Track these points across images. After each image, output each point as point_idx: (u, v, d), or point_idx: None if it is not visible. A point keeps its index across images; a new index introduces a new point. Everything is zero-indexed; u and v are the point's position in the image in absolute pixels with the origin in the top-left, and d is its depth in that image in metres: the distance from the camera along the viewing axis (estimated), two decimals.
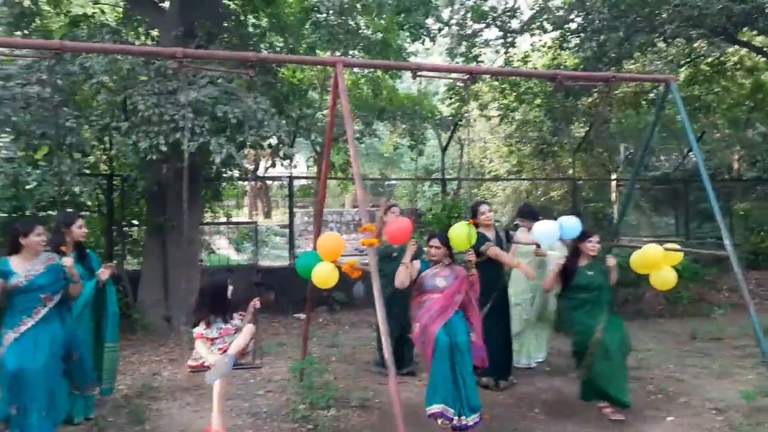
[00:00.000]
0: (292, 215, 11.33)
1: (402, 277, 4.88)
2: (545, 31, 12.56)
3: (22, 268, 4.24)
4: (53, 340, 4.32)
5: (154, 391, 5.95)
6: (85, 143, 7.21)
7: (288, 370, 6.36)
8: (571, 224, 5.35)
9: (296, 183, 13.33)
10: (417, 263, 4.97)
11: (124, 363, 6.42)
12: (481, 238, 5.64)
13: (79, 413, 4.95)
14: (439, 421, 4.51)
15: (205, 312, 4.66)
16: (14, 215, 8.06)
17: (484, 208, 6.03)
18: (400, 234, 4.73)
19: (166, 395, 5.87)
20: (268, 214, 23.65)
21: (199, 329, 4.62)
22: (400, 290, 5.24)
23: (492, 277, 5.67)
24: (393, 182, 25.75)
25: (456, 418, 4.47)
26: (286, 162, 8.45)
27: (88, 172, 8.56)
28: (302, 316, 9.37)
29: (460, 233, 4.89)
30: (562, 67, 12.25)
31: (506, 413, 5.28)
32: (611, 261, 5.32)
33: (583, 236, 5.31)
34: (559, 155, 14.91)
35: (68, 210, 7.16)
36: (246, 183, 14.65)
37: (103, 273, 5.17)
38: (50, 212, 8.15)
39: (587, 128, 13.67)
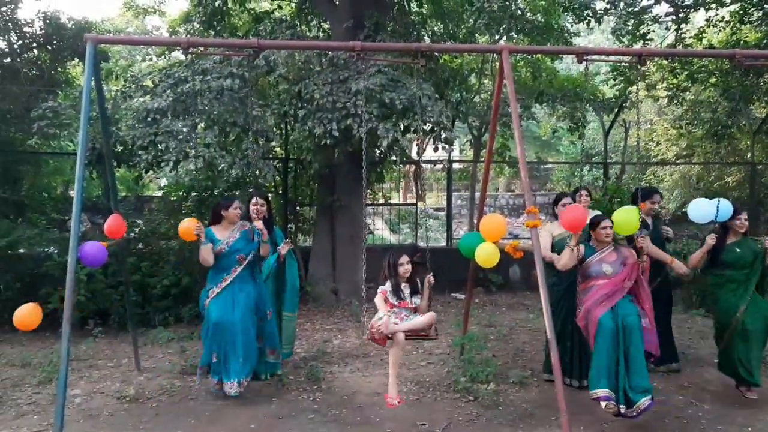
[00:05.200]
0: (450, 198, 11.60)
1: (566, 260, 4.87)
2: (723, 5, 11.63)
3: (223, 236, 5.20)
4: (248, 297, 5.16)
5: (327, 356, 6.54)
6: (269, 130, 7.94)
7: (450, 345, 6.70)
8: (726, 206, 5.15)
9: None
10: (581, 247, 4.91)
11: (298, 330, 7.03)
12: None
13: (265, 370, 5.59)
14: (603, 405, 4.49)
15: (388, 279, 4.85)
16: (206, 194, 9.12)
17: (643, 205, 5.68)
18: (576, 222, 4.65)
19: (338, 360, 6.42)
20: (421, 197, 24.14)
21: (384, 287, 4.80)
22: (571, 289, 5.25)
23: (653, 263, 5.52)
24: (549, 166, 25.17)
25: (618, 405, 4.48)
26: (446, 146, 8.66)
27: (267, 156, 9.40)
28: (459, 295, 9.68)
29: (631, 218, 4.70)
30: (742, 42, 11.31)
31: (671, 401, 5.21)
32: None
33: (733, 213, 5.19)
34: (736, 138, 13.83)
35: (251, 188, 7.95)
36: (402, 166, 15.13)
37: (283, 248, 5.74)
38: (235, 192, 9.10)
39: None
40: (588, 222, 5.01)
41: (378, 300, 4.77)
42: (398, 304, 4.75)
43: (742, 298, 5.12)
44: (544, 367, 5.77)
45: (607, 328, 4.55)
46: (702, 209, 5.16)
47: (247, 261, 5.20)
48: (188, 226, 5.13)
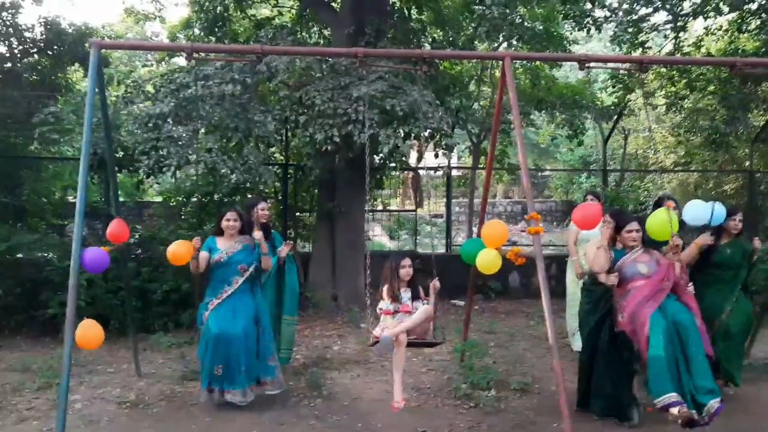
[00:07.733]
0: (449, 205, 11.61)
1: (602, 261, 4.56)
2: (721, 13, 11.67)
3: (224, 245, 5.15)
4: (248, 308, 5.10)
5: (327, 363, 6.53)
6: (270, 135, 7.95)
7: (450, 352, 6.69)
8: (720, 210, 5.10)
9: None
10: (611, 251, 4.66)
11: (298, 336, 6.98)
12: None
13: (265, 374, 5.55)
14: (676, 410, 3.98)
15: (388, 281, 4.89)
16: (207, 199, 9.13)
17: (671, 203, 5.52)
18: (589, 220, 4.50)
19: (338, 367, 6.41)
20: (420, 204, 24.11)
21: (382, 304, 4.85)
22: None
23: None
24: (547, 173, 25.20)
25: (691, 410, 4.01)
26: (446, 152, 8.70)
27: (267, 161, 9.41)
28: (459, 302, 9.67)
29: (663, 220, 4.48)
30: (740, 51, 11.37)
31: None
32: (757, 243, 5.32)
33: (728, 213, 5.19)
34: (734, 146, 13.86)
35: (254, 195, 7.95)
36: (401, 173, 15.14)
37: (283, 250, 5.76)
38: (235, 198, 9.10)
39: None
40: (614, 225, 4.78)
41: (383, 320, 4.78)
42: (399, 309, 4.78)
43: (727, 299, 5.19)
44: (579, 402, 5.09)
45: (659, 326, 4.14)
46: (697, 212, 5.07)
47: (248, 272, 5.15)
48: (184, 248, 4.99)
